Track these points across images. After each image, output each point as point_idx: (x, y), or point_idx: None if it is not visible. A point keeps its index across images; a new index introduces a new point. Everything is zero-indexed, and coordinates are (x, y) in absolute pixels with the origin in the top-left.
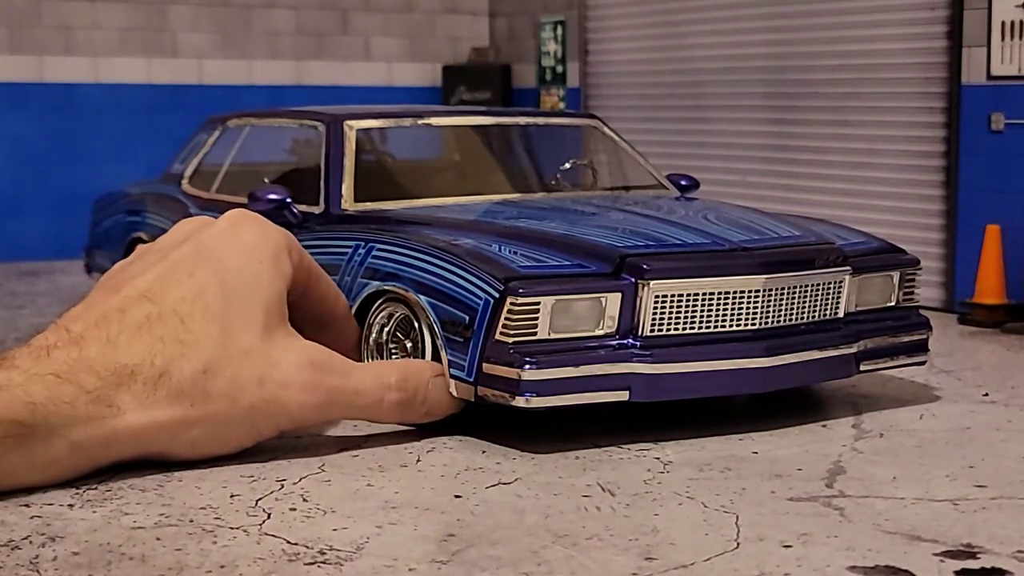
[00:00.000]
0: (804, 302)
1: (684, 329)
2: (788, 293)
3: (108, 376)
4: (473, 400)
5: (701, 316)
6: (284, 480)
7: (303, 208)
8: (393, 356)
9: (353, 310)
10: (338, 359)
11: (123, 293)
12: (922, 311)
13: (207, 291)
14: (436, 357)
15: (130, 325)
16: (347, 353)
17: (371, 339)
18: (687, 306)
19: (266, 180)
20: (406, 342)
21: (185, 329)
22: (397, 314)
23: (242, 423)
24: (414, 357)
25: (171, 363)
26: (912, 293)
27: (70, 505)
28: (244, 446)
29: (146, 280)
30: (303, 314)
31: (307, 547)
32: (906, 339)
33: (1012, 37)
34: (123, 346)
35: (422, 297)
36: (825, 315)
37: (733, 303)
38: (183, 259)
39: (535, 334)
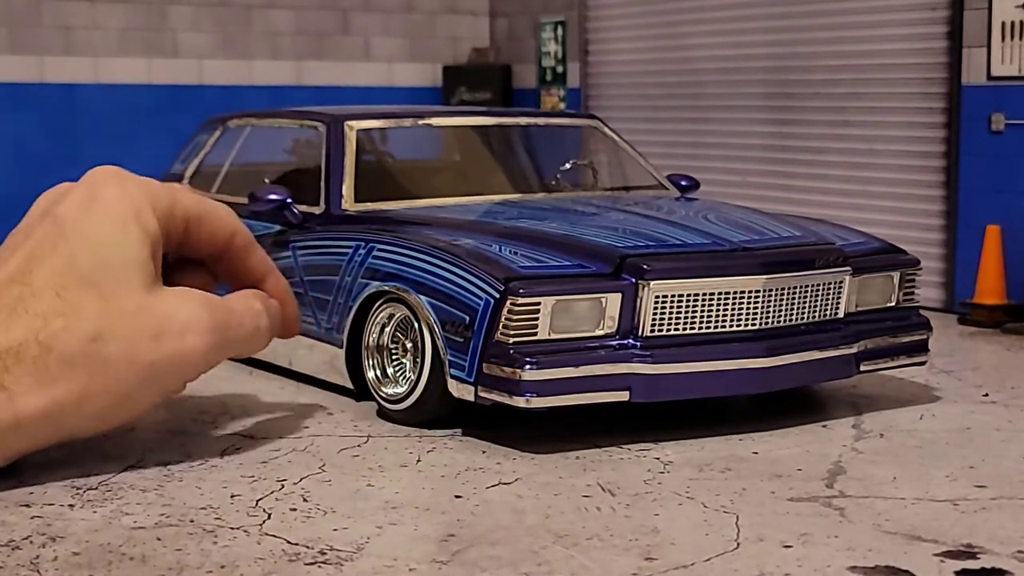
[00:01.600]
0: (804, 302)
1: (684, 329)
2: (788, 293)
3: None
4: (473, 400)
5: (701, 316)
6: (284, 480)
7: (303, 208)
8: (393, 356)
9: (353, 311)
10: (215, 297)
11: None
12: (922, 311)
13: (76, 261)
14: (436, 357)
15: (3, 308)
16: (256, 283)
17: (371, 340)
18: (687, 306)
19: (266, 180)
20: (406, 342)
21: (63, 301)
22: (397, 314)
23: (145, 383)
24: (415, 358)
25: (55, 337)
26: (912, 293)
27: (71, 505)
28: (153, 404)
29: (13, 263)
30: (194, 252)
31: (307, 547)
32: (906, 339)
33: (1012, 37)
34: (1, 330)
35: (422, 297)
36: (825, 315)
37: (733, 303)
38: (44, 236)
39: (535, 334)
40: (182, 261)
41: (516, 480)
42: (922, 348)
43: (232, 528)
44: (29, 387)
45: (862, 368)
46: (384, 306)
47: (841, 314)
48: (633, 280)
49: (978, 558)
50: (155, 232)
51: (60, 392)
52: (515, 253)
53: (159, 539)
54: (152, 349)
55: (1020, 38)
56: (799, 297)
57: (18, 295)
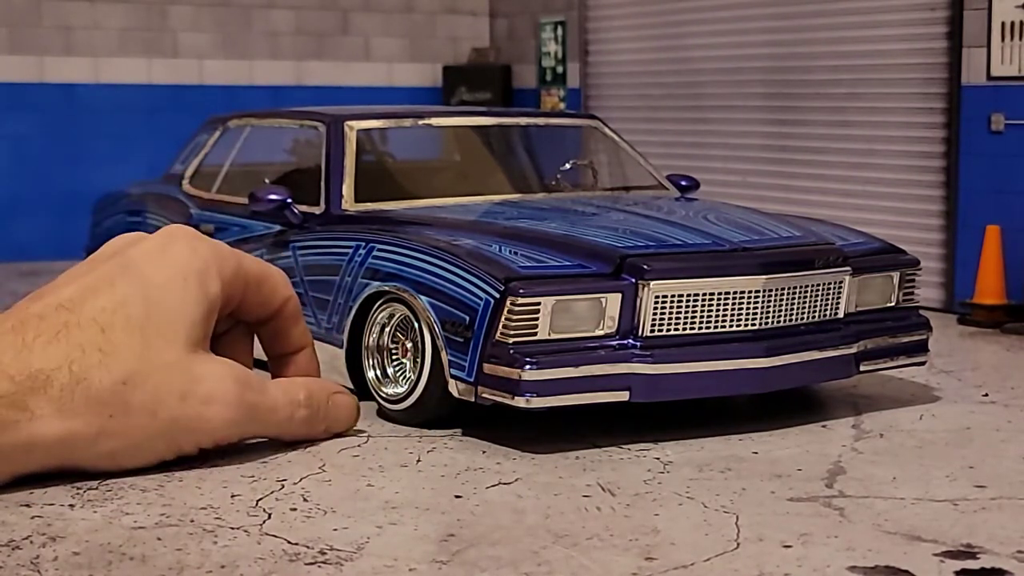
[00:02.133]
0: (804, 302)
1: (684, 329)
2: (788, 293)
3: (23, 380)
4: (473, 400)
5: (701, 316)
6: (285, 480)
7: (304, 208)
8: (393, 357)
9: (353, 311)
10: (253, 376)
11: (44, 301)
12: (922, 311)
13: (129, 303)
14: (436, 357)
15: (47, 331)
16: (293, 352)
17: (371, 340)
18: (687, 306)
19: (267, 180)
20: (406, 342)
21: (105, 339)
22: (397, 314)
23: (162, 437)
24: (415, 358)
25: (89, 371)
26: (912, 293)
27: (71, 505)
28: (163, 459)
29: (69, 290)
30: (246, 316)
31: (307, 547)
32: (906, 339)
33: (1012, 37)
34: (39, 351)
35: (422, 297)
36: (825, 315)
37: (733, 303)
38: (107, 271)
39: (535, 334)
40: (229, 328)
41: (516, 480)
42: (922, 348)
43: (232, 528)
44: (51, 413)
45: (862, 368)
46: (384, 306)
47: (841, 314)
48: (633, 280)
49: (978, 558)
50: (215, 295)
51: (79, 425)
52: (515, 253)
53: (159, 539)
54: (175, 406)
55: (1020, 38)
56: (799, 297)
57: (64, 322)
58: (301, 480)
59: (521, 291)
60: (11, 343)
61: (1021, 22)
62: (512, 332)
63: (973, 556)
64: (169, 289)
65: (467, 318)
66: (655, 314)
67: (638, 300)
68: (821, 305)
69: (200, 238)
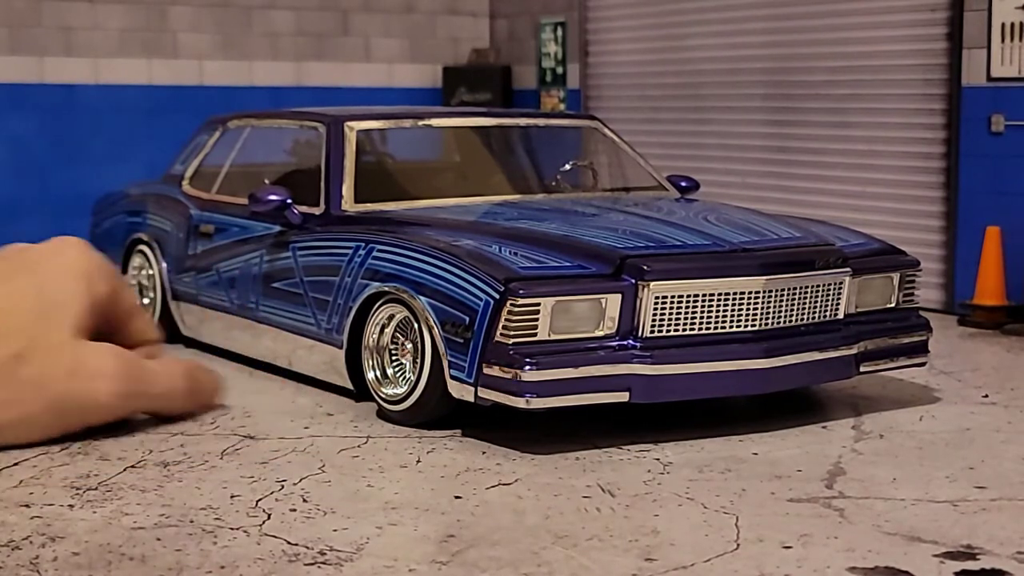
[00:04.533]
0: (804, 303)
1: (684, 330)
2: (788, 294)
3: None
4: (473, 401)
5: (701, 317)
6: (284, 481)
7: (303, 209)
8: (393, 357)
9: (353, 311)
10: (134, 355)
11: None
12: (922, 312)
13: (25, 293)
14: (436, 358)
15: None
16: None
17: (371, 340)
18: (687, 307)
19: (266, 181)
20: (406, 343)
21: (4, 318)
22: (397, 315)
23: (49, 411)
24: (415, 358)
25: None
26: (912, 294)
27: (70, 506)
28: (49, 436)
29: None
30: (108, 322)
31: (307, 548)
32: (906, 340)
33: (1012, 39)
34: None
35: (422, 298)
36: (825, 316)
37: (733, 304)
38: (7, 267)
39: (535, 335)
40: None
41: (516, 481)
42: (922, 349)
43: (232, 528)
44: None
45: (862, 369)
46: (384, 307)
47: (841, 315)
48: (633, 281)
49: (978, 559)
50: (99, 294)
51: None
52: (515, 254)
53: (159, 539)
54: (63, 381)
55: (1020, 39)
56: (799, 298)
57: None
58: (301, 481)
59: (521, 292)
60: None
61: (1021, 23)
62: (512, 333)
63: (973, 557)
64: (62, 284)
65: (467, 319)
66: (655, 315)
67: (638, 301)
68: (821, 306)
69: (90, 249)
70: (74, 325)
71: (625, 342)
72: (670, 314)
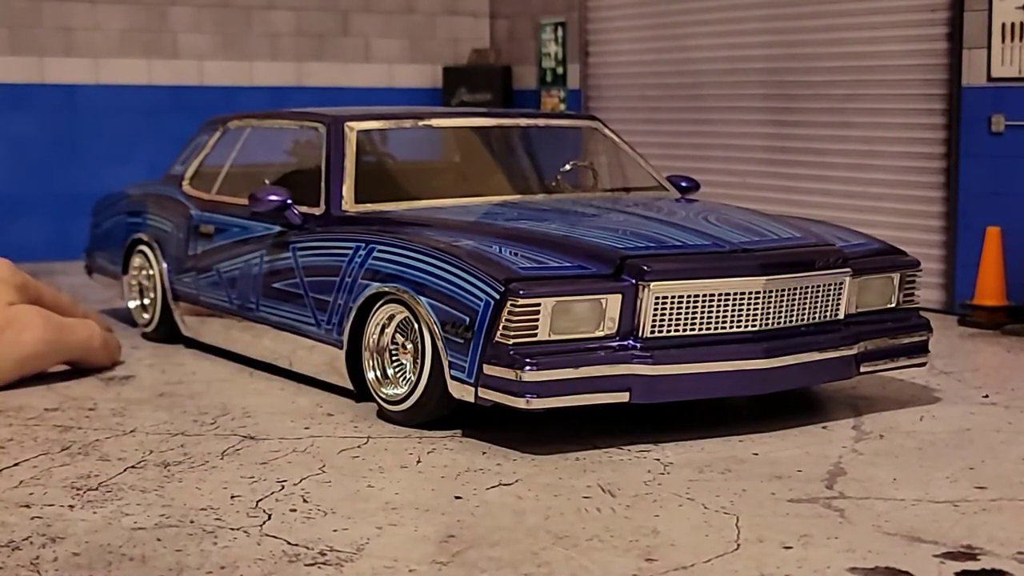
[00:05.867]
0: (804, 304)
1: (684, 330)
2: (788, 295)
3: None
4: (473, 401)
5: (701, 317)
6: (284, 481)
7: (304, 209)
8: (393, 357)
9: (353, 311)
10: (53, 314)
11: None
12: (922, 313)
13: None
14: (437, 358)
15: None
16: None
17: (371, 341)
18: (687, 307)
19: (267, 181)
20: (406, 343)
21: None
22: (398, 315)
23: None
24: (415, 359)
25: None
26: (912, 295)
27: (70, 506)
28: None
29: None
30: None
31: (307, 548)
32: (906, 341)
33: (1012, 39)
34: None
35: (422, 298)
36: (825, 317)
37: (733, 304)
38: None
39: (535, 335)
40: None
41: (516, 481)
42: (922, 349)
43: (232, 529)
44: None
45: (862, 369)
46: (384, 307)
47: (841, 315)
48: (633, 281)
49: (978, 559)
50: (22, 281)
51: None
52: (515, 254)
53: (159, 540)
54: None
55: (1020, 39)
56: (799, 298)
57: None
58: (301, 481)
59: (521, 292)
60: None
61: (1021, 23)
62: (512, 333)
63: (973, 557)
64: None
65: (467, 319)
66: (655, 315)
67: (638, 301)
68: (821, 306)
69: (12, 264)
70: (5, 299)
71: (625, 342)
72: (670, 314)
